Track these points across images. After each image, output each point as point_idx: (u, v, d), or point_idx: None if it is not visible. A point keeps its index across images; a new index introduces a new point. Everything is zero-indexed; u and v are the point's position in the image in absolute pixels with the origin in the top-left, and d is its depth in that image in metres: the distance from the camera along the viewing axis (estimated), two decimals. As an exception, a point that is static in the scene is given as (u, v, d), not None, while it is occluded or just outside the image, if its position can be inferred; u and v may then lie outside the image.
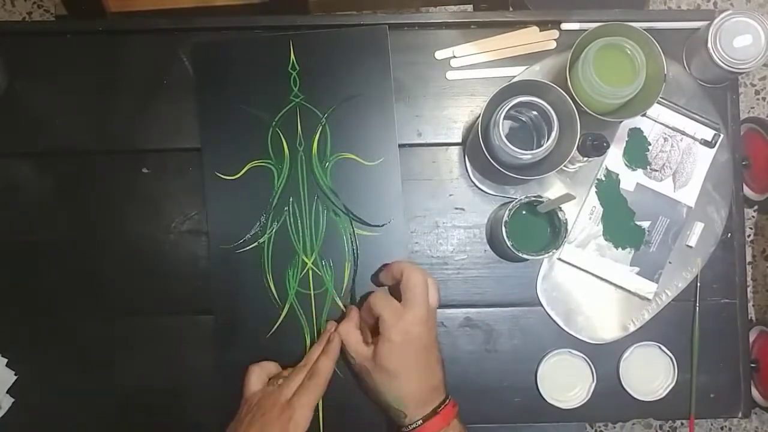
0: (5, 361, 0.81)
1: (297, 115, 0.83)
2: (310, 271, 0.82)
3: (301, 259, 0.82)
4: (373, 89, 0.84)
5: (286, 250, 0.82)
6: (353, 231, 0.82)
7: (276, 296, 0.82)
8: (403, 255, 0.82)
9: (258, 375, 0.76)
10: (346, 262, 0.82)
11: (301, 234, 0.82)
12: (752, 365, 0.89)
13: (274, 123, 0.83)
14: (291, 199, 0.82)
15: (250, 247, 0.82)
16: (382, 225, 0.83)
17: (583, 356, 0.82)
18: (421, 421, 0.70)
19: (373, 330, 0.76)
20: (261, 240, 0.82)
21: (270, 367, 0.77)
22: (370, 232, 0.82)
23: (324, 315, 0.81)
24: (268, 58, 0.84)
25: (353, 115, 0.83)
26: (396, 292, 0.75)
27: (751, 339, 1.37)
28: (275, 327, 0.81)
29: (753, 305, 1.63)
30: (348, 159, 0.83)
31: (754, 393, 1.32)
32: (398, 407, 0.72)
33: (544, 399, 0.82)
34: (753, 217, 1.68)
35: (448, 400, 0.72)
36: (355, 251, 0.82)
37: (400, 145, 0.84)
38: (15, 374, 0.81)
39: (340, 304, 0.82)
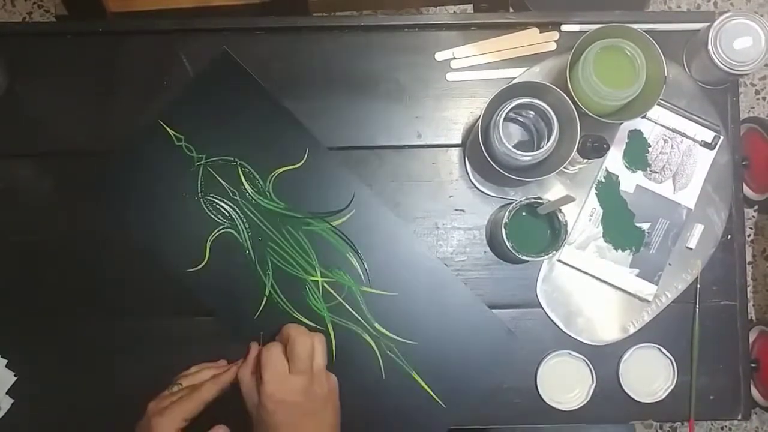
0: (5, 362, 0.81)
1: (212, 173, 0.83)
2: (326, 284, 0.82)
3: (311, 280, 0.82)
4: (254, 106, 0.84)
5: (293, 284, 0.82)
6: (331, 225, 0.83)
7: (316, 325, 0.82)
8: (384, 211, 0.83)
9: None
10: (347, 254, 0.82)
11: (295, 262, 0.82)
12: (752, 365, 0.90)
13: (199, 194, 0.83)
14: (266, 241, 0.82)
15: (263, 305, 0.82)
16: (349, 203, 0.83)
17: (583, 358, 0.82)
18: None
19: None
20: (267, 293, 0.82)
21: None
22: (345, 216, 0.83)
23: (364, 308, 0.82)
24: (155, 147, 0.83)
25: (256, 138, 0.84)
26: None
27: (751, 339, 1.37)
28: (334, 350, 0.81)
29: (753, 305, 1.63)
30: (280, 173, 0.83)
31: (755, 393, 1.32)
32: None
33: (543, 401, 0.82)
34: (753, 216, 1.68)
35: None
36: (346, 240, 0.82)
37: (401, 146, 0.85)
38: (15, 375, 0.81)
39: (369, 289, 0.82)
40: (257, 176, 0.83)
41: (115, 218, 0.83)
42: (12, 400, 0.81)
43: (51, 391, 0.82)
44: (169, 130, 0.83)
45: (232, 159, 0.83)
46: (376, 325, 0.82)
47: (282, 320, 0.79)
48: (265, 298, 0.82)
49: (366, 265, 0.83)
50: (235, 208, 0.82)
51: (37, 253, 0.83)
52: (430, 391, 0.81)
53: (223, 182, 0.83)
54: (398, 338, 0.82)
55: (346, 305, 0.82)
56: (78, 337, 0.82)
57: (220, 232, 0.82)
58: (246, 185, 0.83)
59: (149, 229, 0.83)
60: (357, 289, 0.82)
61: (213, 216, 0.82)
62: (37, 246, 0.83)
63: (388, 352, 0.82)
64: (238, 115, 0.84)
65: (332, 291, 0.82)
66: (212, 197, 0.82)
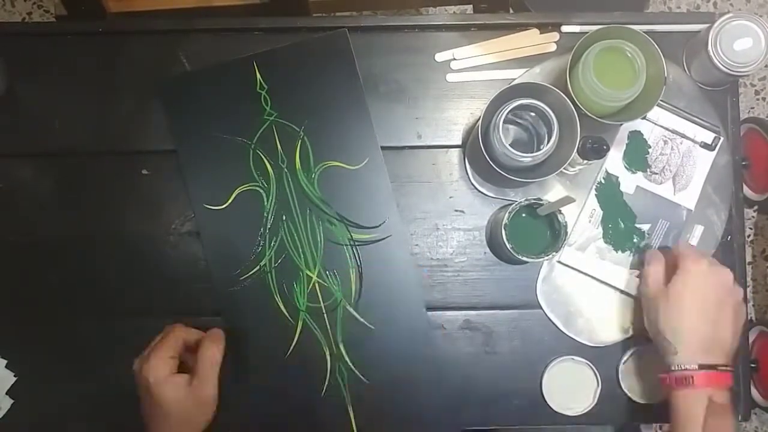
0: (5, 362, 0.81)
1: (274, 132, 0.83)
2: (317, 284, 0.82)
3: (306, 273, 0.82)
4: (343, 93, 0.84)
5: (289, 267, 0.82)
6: (351, 237, 0.82)
7: (288, 315, 0.82)
8: (404, 251, 0.83)
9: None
10: (350, 269, 0.82)
11: (300, 249, 0.82)
12: (752, 365, 0.90)
13: (252, 145, 0.83)
14: (284, 217, 0.82)
15: (253, 271, 0.82)
16: (379, 225, 0.83)
17: (587, 362, 0.82)
18: (697, 366, 0.71)
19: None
20: (262, 263, 0.82)
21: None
22: (368, 235, 0.82)
23: (338, 325, 0.82)
24: (235, 83, 0.84)
25: (329, 122, 0.83)
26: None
27: (751, 339, 1.37)
28: (292, 346, 0.82)
29: (753, 305, 1.63)
30: (333, 166, 0.83)
31: (754, 393, 1.32)
32: (672, 340, 0.72)
33: (547, 404, 0.82)
34: (753, 217, 1.68)
35: (728, 370, 0.72)
36: (357, 256, 0.82)
37: (401, 147, 0.85)
38: (14, 375, 0.81)
39: (352, 311, 0.82)
40: (312, 157, 0.83)
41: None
42: (12, 401, 0.81)
43: (51, 391, 0.82)
44: (258, 74, 0.83)
45: (299, 130, 0.83)
46: (341, 345, 0.82)
47: (261, 295, 0.81)
48: (258, 267, 0.82)
49: (362, 288, 0.82)
50: (277, 173, 0.82)
51: (37, 253, 0.83)
52: (355, 429, 0.81)
53: (279, 145, 0.83)
54: (353, 369, 0.81)
55: (324, 314, 0.82)
56: (78, 337, 0.82)
57: (252, 187, 0.82)
58: (297, 159, 0.83)
59: (193, 155, 0.83)
60: (342, 304, 0.82)
61: (254, 169, 0.82)
62: (37, 246, 0.83)
63: (337, 375, 0.81)
64: (324, 94, 0.84)
65: (320, 294, 0.82)
66: (262, 152, 0.82)
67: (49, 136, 0.84)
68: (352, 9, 1.27)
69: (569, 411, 0.82)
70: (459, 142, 0.85)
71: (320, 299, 0.82)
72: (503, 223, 0.76)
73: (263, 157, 0.83)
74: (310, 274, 0.82)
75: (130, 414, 0.82)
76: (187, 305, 0.83)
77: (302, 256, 0.82)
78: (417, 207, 0.84)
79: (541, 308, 0.83)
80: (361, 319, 0.82)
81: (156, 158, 0.84)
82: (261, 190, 0.82)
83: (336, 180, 0.83)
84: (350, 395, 0.81)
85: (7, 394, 0.81)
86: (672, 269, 0.76)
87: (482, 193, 0.84)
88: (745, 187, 1.47)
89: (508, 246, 0.75)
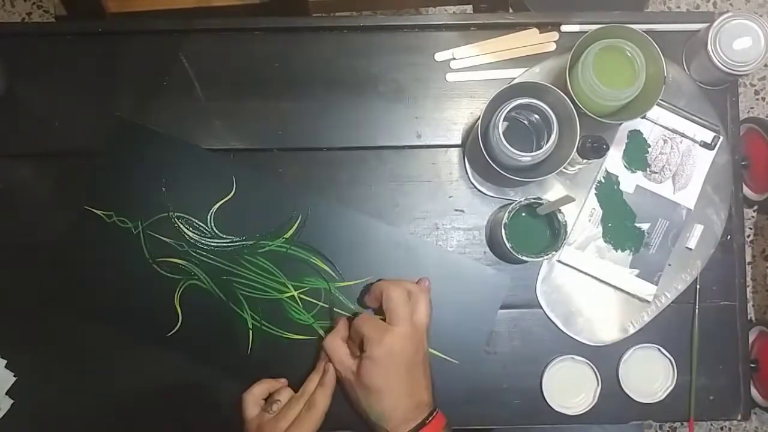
0: (4, 362, 0.81)
1: (154, 234, 0.82)
2: (303, 296, 0.82)
3: (286, 298, 0.82)
4: (167, 159, 0.84)
5: (272, 308, 0.82)
6: (286, 239, 0.82)
7: (308, 335, 0.81)
8: (334, 206, 0.83)
9: (253, 401, 0.76)
10: (310, 260, 0.82)
11: (265, 287, 0.82)
12: (752, 365, 0.90)
13: (150, 262, 0.82)
14: (231, 279, 0.82)
15: (251, 339, 0.82)
16: (294, 212, 0.83)
17: (587, 361, 0.82)
18: None
19: (360, 347, 0.75)
20: (250, 326, 0.81)
21: (262, 390, 0.77)
22: (294, 226, 0.82)
23: (344, 301, 0.82)
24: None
25: (179, 186, 0.83)
26: (382, 312, 0.75)
27: (751, 339, 1.37)
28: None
29: (752, 305, 1.63)
30: (216, 209, 0.83)
31: (754, 393, 1.32)
32: (380, 423, 0.72)
33: (547, 403, 0.82)
34: (752, 217, 1.68)
35: (435, 414, 0.72)
36: (305, 247, 0.82)
37: (400, 147, 0.85)
38: (14, 375, 0.81)
39: (347, 284, 0.82)
40: (196, 220, 0.82)
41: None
42: (11, 401, 0.81)
43: (51, 391, 0.82)
44: (97, 212, 0.83)
45: (166, 213, 0.83)
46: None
47: (274, 346, 0.81)
48: (250, 332, 0.81)
49: (333, 262, 0.82)
50: (188, 258, 0.82)
51: (37, 254, 0.83)
52: (439, 353, 0.81)
53: (166, 239, 0.82)
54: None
55: (330, 306, 0.82)
56: (78, 337, 0.82)
57: (184, 287, 0.82)
58: (189, 233, 0.82)
59: (116, 309, 0.82)
60: (333, 287, 0.82)
61: (170, 275, 0.82)
62: (37, 246, 0.83)
63: None
64: (154, 171, 0.83)
65: (311, 299, 0.82)
66: (163, 258, 0.82)
67: (49, 136, 0.84)
68: (352, 9, 1.27)
69: (569, 410, 0.82)
70: (459, 142, 0.85)
71: (315, 302, 0.82)
72: (503, 222, 0.76)
73: (166, 259, 0.82)
74: (291, 294, 0.82)
75: (130, 414, 0.82)
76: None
77: (271, 289, 0.82)
78: (417, 206, 0.84)
79: (541, 308, 0.83)
80: (357, 281, 0.82)
81: (156, 158, 0.84)
82: (193, 281, 0.82)
83: (230, 215, 0.83)
84: None
85: (6, 394, 0.81)
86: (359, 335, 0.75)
87: (482, 192, 0.84)
88: (744, 187, 1.47)
89: (508, 245, 0.75)
